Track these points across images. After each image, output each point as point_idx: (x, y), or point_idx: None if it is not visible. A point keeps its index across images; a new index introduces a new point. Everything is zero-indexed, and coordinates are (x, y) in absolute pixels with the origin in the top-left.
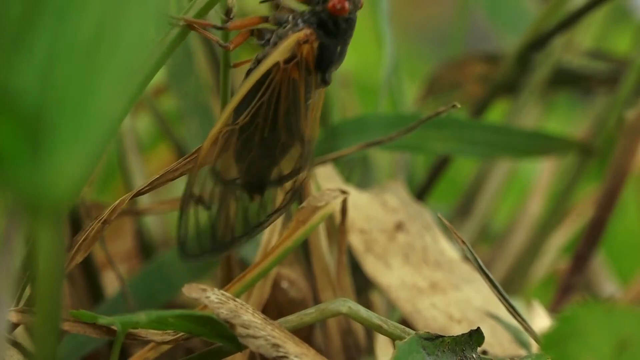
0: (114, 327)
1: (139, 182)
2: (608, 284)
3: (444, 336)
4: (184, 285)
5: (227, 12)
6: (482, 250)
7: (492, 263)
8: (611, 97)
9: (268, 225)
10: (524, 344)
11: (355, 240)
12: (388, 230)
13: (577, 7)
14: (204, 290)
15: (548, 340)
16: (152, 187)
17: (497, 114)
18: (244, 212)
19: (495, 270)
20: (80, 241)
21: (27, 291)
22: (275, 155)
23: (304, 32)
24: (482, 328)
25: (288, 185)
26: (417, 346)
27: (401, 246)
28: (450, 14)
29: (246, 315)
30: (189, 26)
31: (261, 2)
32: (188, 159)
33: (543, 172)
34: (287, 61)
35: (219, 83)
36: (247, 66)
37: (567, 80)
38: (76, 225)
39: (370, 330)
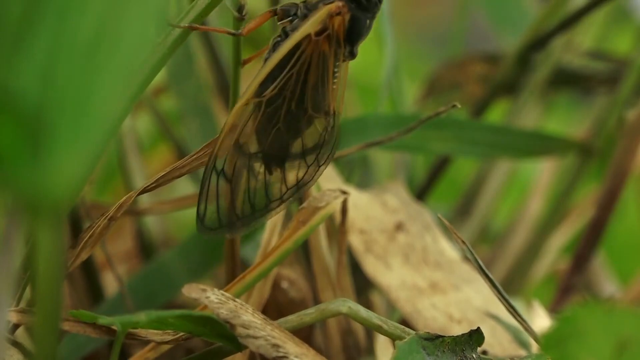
0: (113, 327)
1: (139, 182)
2: (608, 284)
3: (444, 336)
4: (184, 286)
5: (240, 9)
6: (482, 250)
7: (492, 263)
8: (611, 97)
9: (288, 200)
10: (524, 344)
11: (355, 240)
12: (388, 230)
13: (578, 7)
14: (204, 290)
15: (548, 341)
16: (158, 184)
17: (497, 114)
18: (265, 186)
19: (496, 271)
20: (86, 238)
21: (27, 291)
22: (300, 129)
23: (336, 4)
24: (482, 328)
25: (311, 158)
26: (417, 346)
27: (401, 246)
28: (450, 14)
29: (246, 316)
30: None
31: None
32: (195, 157)
33: (543, 172)
34: (319, 33)
35: (219, 83)
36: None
37: (567, 81)
38: (76, 225)
39: (370, 330)
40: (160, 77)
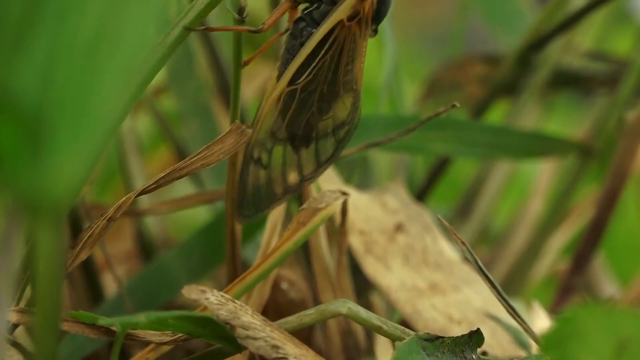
0: (113, 328)
1: (139, 182)
2: (608, 285)
3: (444, 337)
4: (184, 287)
5: (240, 11)
6: (482, 251)
7: (492, 264)
8: (611, 98)
9: (319, 175)
10: (523, 345)
11: (355, 241)
12: (388, 231)
13: (577, 8)
14: (204, 291)
15: (548, 341)
16: (158, 185)
17: (497, 115)
18: (296, 165)
19: (495, 271)
20: (85, 238)
21: (27, 291)
22: (332, 109)
23: None
24: (482, 329)
25: (339, 134)
26: (417, 347)
27: (401, 247)
28: (450, 14)
29: (246, 317)
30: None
31: None
32: (195, 158)
33: (543, 173)
34: (350, 18)
35: (219, 83)
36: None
37: (567, 81)
38: (76, 225)
39: (370, 331)
40: (160, 77)
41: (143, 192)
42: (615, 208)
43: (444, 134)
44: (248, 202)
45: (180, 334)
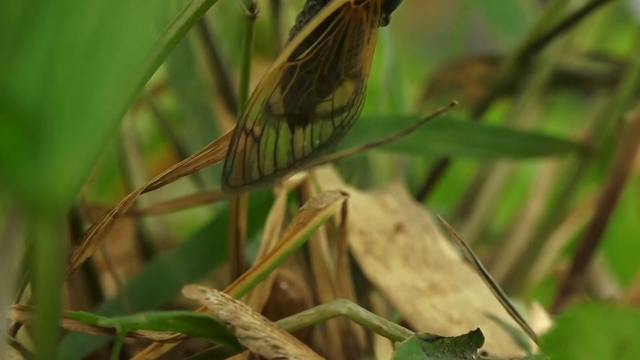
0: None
1: (139, 182)
2: (608, 285)
3: (444, 337)
4: (184, 287)
5: (252, 7)
6: (482, 251)
7: (492, 264)
8: (611, 98)
9: (313, 160)
10: (523, 345)
11: (355, 241)
12: (388, 231)
13: (577, 8)
14: (204, 291)
15: (548, 341)
16: (163, 182)
17: (497, 115)
18: (290, 145)
19: (495, 271)
20: (91, 234)
21: (27, 291)
22: (332, 92)
23: None
24: (482, 329)
25: (338, 120)
26: (417, 347)
27: (401, 247)
28: (450, 14)
29: (246, 317)
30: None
31: None
32: (202, 155)
33: (543, 173)
34: (358, 2)
35: (219, 83)
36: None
37: (567, 82)
38: (76, 225)
39: (370, 331)
40: (160, 77)
41: (149, 188)
42: (615, 208)
43: (444, 134)
44: (237, 173)
45: (179, 333)
